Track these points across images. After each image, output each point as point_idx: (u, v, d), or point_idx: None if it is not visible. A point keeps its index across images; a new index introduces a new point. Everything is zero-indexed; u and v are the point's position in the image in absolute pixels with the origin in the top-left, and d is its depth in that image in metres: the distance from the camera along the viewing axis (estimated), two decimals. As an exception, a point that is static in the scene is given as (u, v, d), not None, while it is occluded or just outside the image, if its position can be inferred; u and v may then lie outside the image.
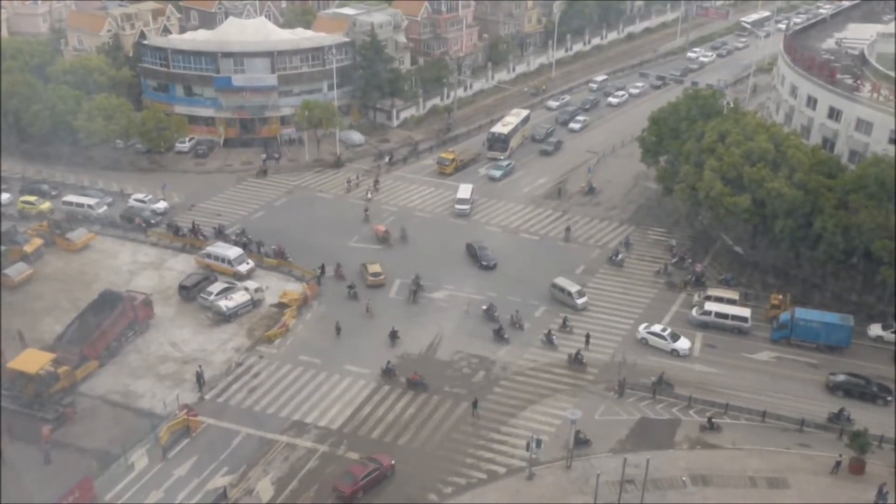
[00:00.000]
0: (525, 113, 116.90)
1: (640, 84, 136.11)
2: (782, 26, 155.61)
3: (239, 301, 76.65)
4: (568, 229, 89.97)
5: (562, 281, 79.04)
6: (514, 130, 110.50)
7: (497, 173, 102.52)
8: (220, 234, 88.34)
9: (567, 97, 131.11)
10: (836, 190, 74.36)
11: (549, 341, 72.33)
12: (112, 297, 73.05)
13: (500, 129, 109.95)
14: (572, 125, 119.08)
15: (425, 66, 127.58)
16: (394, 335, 72.87)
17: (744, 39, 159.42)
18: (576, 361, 69.86)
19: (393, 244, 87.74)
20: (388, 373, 68.52)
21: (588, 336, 72.52)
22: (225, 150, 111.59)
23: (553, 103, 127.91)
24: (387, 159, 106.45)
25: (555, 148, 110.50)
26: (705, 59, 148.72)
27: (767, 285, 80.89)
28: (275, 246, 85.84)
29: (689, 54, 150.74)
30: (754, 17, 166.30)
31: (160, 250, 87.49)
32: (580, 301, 77.14)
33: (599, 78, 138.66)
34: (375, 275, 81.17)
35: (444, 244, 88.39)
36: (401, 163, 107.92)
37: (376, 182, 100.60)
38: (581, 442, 60.83)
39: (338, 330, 73.29)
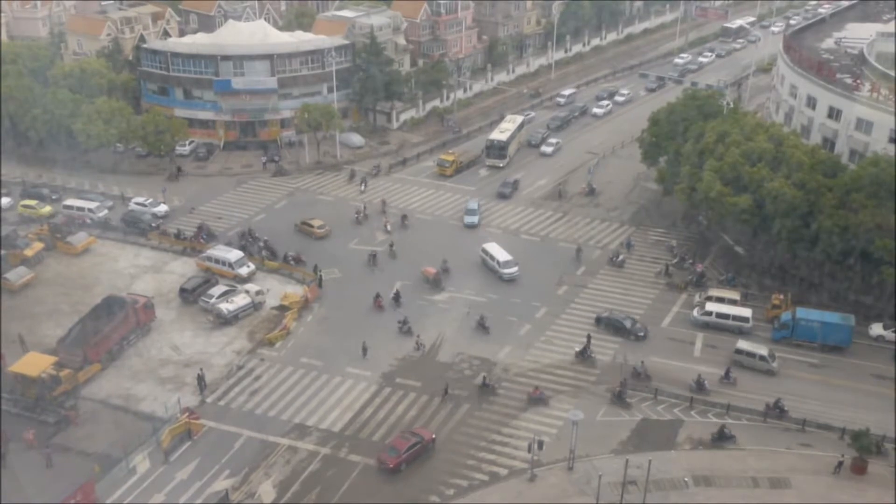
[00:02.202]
0: (520, 119, 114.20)
1: (625, 92, 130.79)
2: (775, 29, 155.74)
3: (240, 304, 76.69)
4: (579, 249, 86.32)
5: (747, 345, 70.62)
6: (512, 137, 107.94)
7: (475, 219, 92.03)
8: (244, 237, 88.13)
9: (532, 113, 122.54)
10: (836, 189, 74.34)
11: (699, 388, 66.64)
12: (116, 301, 73.13)
13: (497, 136, 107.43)
14: (544, 148, 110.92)
15: (425, 68, 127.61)
16: (397, 297, 77.69)
17: (741, 41, 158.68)
18: (585, 357, 70.22)
19: (445, 286, 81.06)
20: (485, 389, 66.52)
21: (589, 337, 72.56)
22: (225, 152, 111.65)
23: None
24: (362, 187, 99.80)
25: (513, 189, 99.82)
26: (704, 60, 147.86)
27: (768, 285, 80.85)
28: (293, 252, 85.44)
29: (677, 60, 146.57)
30: (739, 22, 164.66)
31: (161, 253, 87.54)
32: (775, 364, 69.51)
33: (567, 91, 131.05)
34: (322, 227, 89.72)
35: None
36: (401, 165, 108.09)
37: (405, 218, 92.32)
38: (727, 437, 61.34)
39: (364, 350, 71.34)
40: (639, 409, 65.23)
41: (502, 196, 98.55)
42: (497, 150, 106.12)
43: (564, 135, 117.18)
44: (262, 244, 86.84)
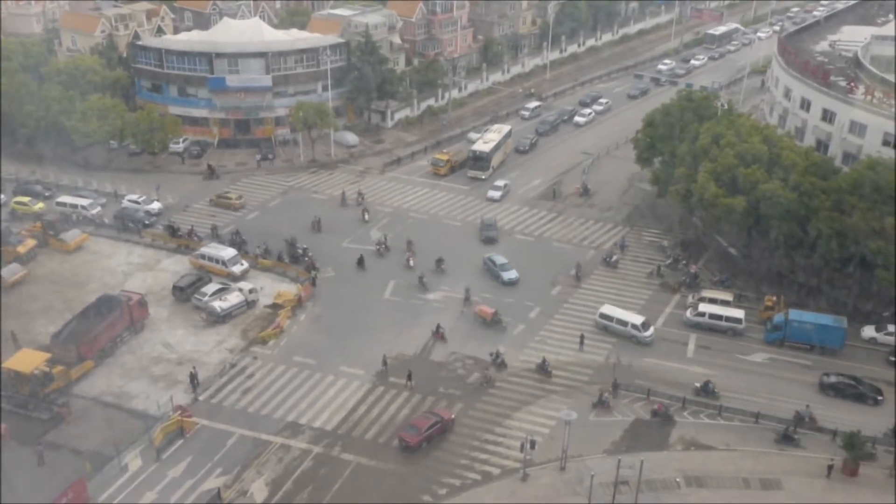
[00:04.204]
0: (507, 128, 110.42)
1: (604, 100, 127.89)
2: (762, 35, 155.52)
3: (233, 302, 76.56)
4: (579, 266, 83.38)
5: None
6: (496, 148, 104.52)
7: (514, 274, 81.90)
8: (292, 246, 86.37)
9: (482, 134, 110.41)
10: (829, 192, 74.51)
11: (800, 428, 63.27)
12: (111, 300, 72.96)
13: (481, 146, 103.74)
14: (491, 193, 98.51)
15: (420, 68, 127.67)
16: (361, 261, 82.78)
17: (734, 44, 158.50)
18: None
19: (506, 325, 75.30)
20: (601, 404, 64.97)
21: (582, 337, 72.66)
22: (219, 150, 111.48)
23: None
24: (365, 217, 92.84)
25: (497, 229, 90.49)
26: (696, 63, 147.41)
27: (761, 287, 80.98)
28: (308, 258, 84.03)
29: (660, 66, 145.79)
30: (723, 28, 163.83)
31: (154, 251, 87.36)
32: None
33: (532, 104, 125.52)
34: (239, 198, 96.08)
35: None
36: (395, 164, 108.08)
37: (440, 262, 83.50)
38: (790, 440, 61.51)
39: (385, 363, 69.38)
40: (631, 410, 65.33)
41: (490, 241, 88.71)
42: (480, 161, 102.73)
43: (550, 140, 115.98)
44: (301, 251, 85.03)
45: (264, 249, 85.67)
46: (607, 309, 75.66)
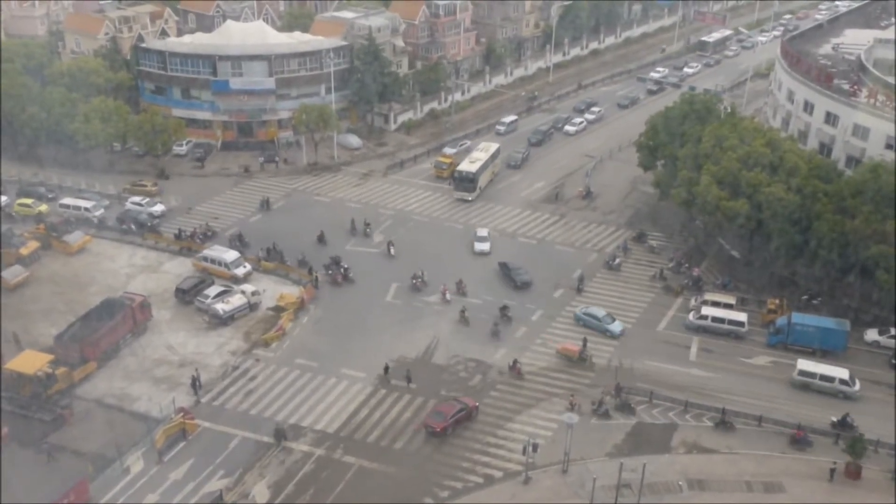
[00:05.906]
0: (494, 147, 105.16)
1: (596, 109, 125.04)
2: (762, 38, 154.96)
3: (235, 304, 76.62)
4: (581, 279, 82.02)
5: None
6: (483, 167, 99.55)
7: (620, 327, 75.01)
8: (336, 264, 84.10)
9: (468, 142, 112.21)
10: (832, 195, 74.42)
11: None
12: (116, 303, 73.08)
13: (467, 166, 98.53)
14: (480, 246, 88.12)
15: (423, 70, 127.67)
16: (321, 238, 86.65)
17: (734, 49, 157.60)
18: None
19: (594, 362, 71.12)
20: (724, 424, 63.47)
21: (585, 340, 72.57)
22: (222, 153, 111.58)
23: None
24: (391, 251, 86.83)
25: (529, 273, 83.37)
26: (689, 71, 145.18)
27: (764, 290, 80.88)
28: (332, 263, 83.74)
29: (653, 74, 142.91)
30: (716, 35, 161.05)
31: (157, 253, 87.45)
32: None
33: (508, 119, 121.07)
34: (154, 184, 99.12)
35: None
36: (398, 167, 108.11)
37: (505, 309, 77.23)
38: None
39: (408, 379, 67.96)
40: (634, 413, 65.25)
41: (525, 285, 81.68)
42: (466, 181, 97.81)
43: (542, 150, 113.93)
44: (343, 270, 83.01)
45: (301, 259, 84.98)
46: (806, 365, 68.52)
